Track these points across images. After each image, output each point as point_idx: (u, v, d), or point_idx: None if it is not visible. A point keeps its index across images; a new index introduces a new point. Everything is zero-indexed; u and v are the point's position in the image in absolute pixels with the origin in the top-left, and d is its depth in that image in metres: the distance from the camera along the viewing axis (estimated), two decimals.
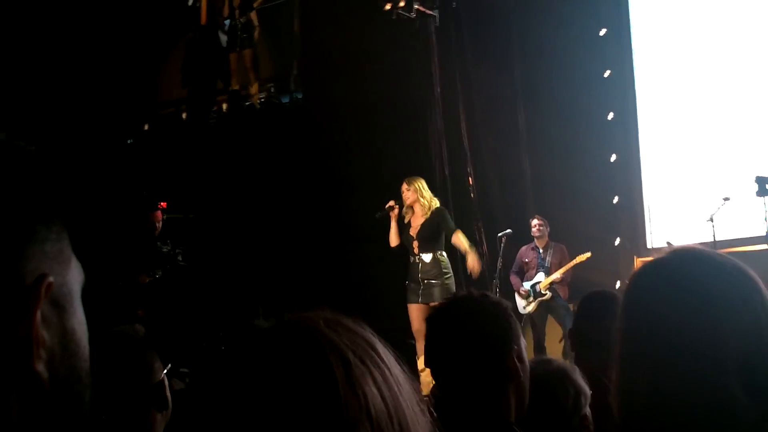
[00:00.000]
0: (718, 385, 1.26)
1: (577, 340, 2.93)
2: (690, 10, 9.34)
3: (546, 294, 8.48)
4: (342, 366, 0.78)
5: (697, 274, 1.36)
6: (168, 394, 2.06)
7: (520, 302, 8.58)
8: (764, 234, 7.22)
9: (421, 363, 7.35)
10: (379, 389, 0.78)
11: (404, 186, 7.64)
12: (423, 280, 7.45)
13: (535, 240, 8.76)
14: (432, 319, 2.17)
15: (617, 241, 9.66)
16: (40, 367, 0.72)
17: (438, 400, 2.05)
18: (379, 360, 0.82)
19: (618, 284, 9.22)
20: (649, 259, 1.50)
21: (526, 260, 8.75)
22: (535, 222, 8.73)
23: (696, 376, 1.27)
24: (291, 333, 0.82)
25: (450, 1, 9.63)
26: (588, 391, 2.36)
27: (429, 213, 7.56)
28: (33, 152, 0.79)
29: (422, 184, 7.62)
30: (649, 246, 9.64)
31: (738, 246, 7.88)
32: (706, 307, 1.31)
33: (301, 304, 0.88)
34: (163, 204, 7.79)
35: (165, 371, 2.07)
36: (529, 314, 8.50)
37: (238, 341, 0.83)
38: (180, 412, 2.05)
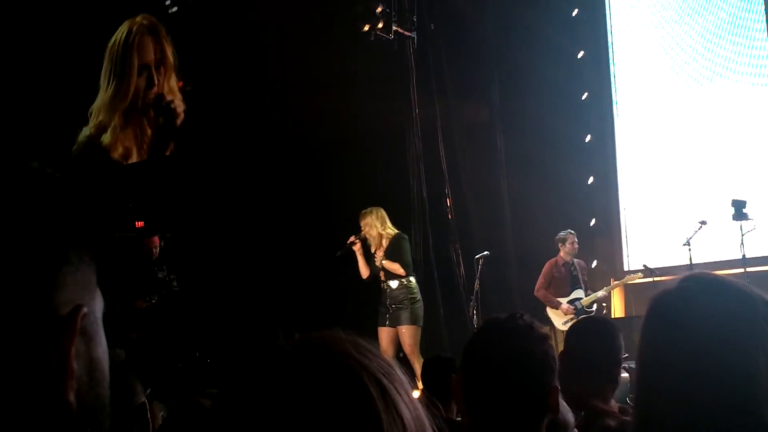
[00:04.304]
0: (752, 415, 1.20)
1: (569, 364, 2.90)
2: (668, 32, 9.42)
3: (592, 310, 8.42)
4: (379, 392, 0.73)
5: (721, 301, 1.29)
6: (149, 416, 2.04)
7: (557, 318, 8.45)
8: (740, 257, 7.23)
9: None
10: (409, 412, 0.76)
11: (360, 219, 7.63)
12: (390, 306, 7.50)
13: (567, 255, 8.58)
14: (472, 349, 2.00)
15: (594, 264, 9.68)
16: (72, 398, 0.72)
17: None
18: (401, 382, 0.78)
19: (594, 307, 9.23)
20: (664, 287, 1.41)
21: (557, 275, 8.59)
22: (572, 238, 8.56)
23: (728, 407, 1.21)
24: (319, 358, 0.75)
25: (428, 23, 9.66)
26: (570, 418, 2.32)
27: (387, 242, 7.55)
28: (61, 179, 0.78)
29: (374, 217, 7.55)
30: (626, 268, 9.66)
31: (714, 269, 7.89)
32: (734, 336, 1.24)
33: (283, 323, 0.81)
34: (140, 224, 7.66)
35: (146, 394, 2.05)
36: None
37: (259, 368, 0.77)
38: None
